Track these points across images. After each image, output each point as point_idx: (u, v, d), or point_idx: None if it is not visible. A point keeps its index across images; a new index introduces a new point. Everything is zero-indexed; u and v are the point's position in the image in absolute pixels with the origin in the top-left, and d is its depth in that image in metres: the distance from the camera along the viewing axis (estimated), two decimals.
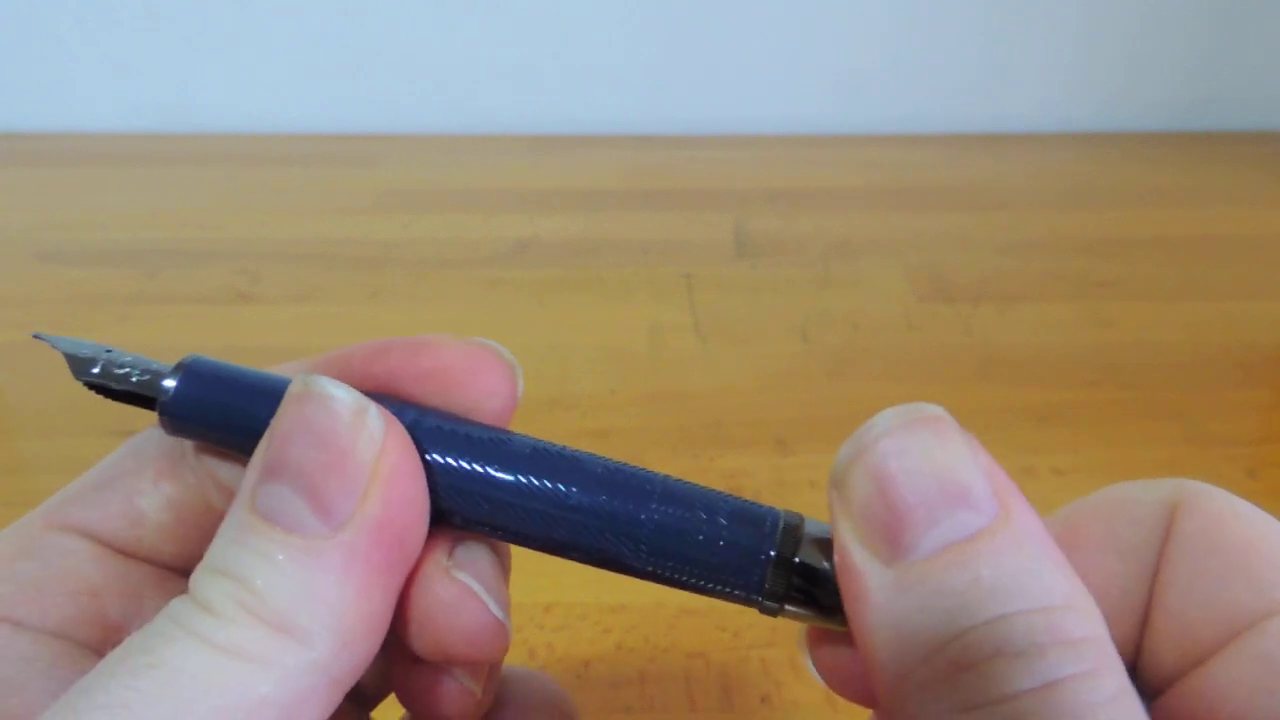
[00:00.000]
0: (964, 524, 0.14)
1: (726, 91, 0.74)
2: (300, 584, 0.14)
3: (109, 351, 0.18)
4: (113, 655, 0.14)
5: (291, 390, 0.16)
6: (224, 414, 0.17)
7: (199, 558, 0.15)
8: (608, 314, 0.51)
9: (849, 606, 0.15)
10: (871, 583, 0.14)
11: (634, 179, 0.67)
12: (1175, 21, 0.73)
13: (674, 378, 0.46)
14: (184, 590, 0.15)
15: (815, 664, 0.17)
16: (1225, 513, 0.15)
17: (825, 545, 0.16)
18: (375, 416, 0.15)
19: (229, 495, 0.18)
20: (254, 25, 0.71)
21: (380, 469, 0.15)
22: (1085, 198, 0.65)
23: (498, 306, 0.52)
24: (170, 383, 0.17)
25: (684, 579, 0.17)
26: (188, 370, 0.18)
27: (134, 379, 0.18)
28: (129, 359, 0.18)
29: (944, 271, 0.55)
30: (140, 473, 0.18)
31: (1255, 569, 0.15)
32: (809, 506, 0.18)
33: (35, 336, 0.19)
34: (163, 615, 0.14)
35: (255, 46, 0.72)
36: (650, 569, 0.17)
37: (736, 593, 0.16)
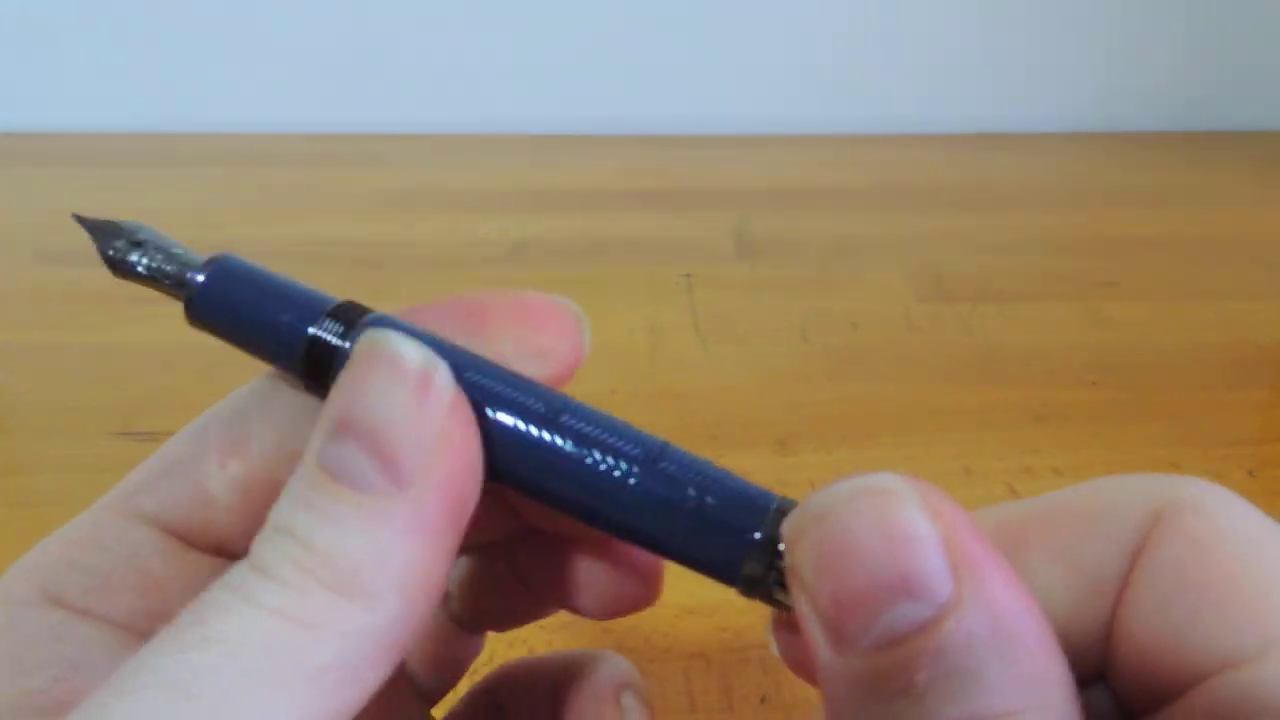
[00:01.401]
0: (906, 617, 0.13)
1: (726, 91, 0.74)
2: (366, 544, 0.14)
3: (143, 230, 0.18)
4: (167, 629, 0.14)
5: (359, 347, 0.16)
6: (250, 314, 0.17)
7: None
8: (608, 314, 0.51)
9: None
10: (823, 661, 0.14)
11: (634, 179, 0.67)
12: (1174, 21, 0.73)
13: (674, 378, 0.46)
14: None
15: (781, 648, 0.17)
16: (1208, 537, 0.14)
17: None
18: (445, 375, 0.15)
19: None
20: (254, 25, 0.71)
21: (447, 429, 0.15)
22: (1085, 198, 0.65)
23: None
24: (200, 276, 0.17)
25: (666, 549, 0.16)
26: (218, 266, 0.18)
27: (164, 265, 0.18)
28: (164, 241, 0.18)
29: (944, 271, 0.55)
30: (205, 455, 0.18)
31: (1226, 610, 0.13)
32: None
33: (74, 217, 0.19)
34: (219, 583, 0.14)
35: (255, 46, 0.72)
36: (635, 532, 0.16)
37: (718, 569, 0.16)
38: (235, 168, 0.68)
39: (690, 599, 0.34)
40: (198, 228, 0.59)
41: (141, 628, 0.17)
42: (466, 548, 0.21)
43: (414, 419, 0.15)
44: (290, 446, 0.18)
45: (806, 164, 0.69)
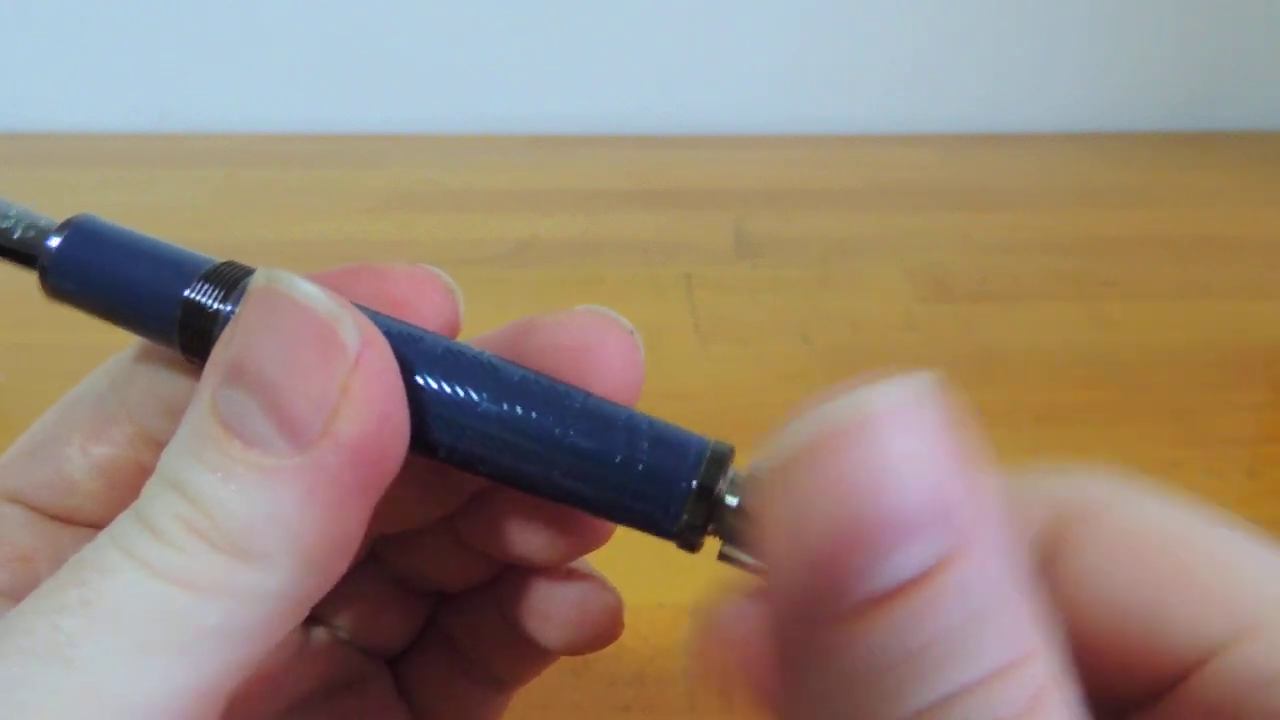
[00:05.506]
0: (916, 556, 0.11)
1: (726, 91, 0.74)
2: (260, 506, 0.13)
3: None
4: (47, 585, 0.13)
5: (255, 283, 0.14)
6: (113, 281, 0.15)
7: None
8: None
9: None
10: (792, 641, 0.12)
11: (634, 179, 0.67)
12: (1176, 21, 0.73)
13: (674, 378, 0.46)
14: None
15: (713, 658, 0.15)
16: (1143, 533, 0.13)
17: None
18: (349, 324, 0.14)
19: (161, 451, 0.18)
20: (254, 25, 0.71)
21: (353, 384, 0.13)
22: (1085, 198, 0.65)
23: (498, 306, 0.52)
24: (55, 241, 0.16)
25: (599, 506, 0.15)
26: (76, 229, 0.16)
27: (16, 234, 0.16)
28: (16, 211, 0.16)
29: (944, 271, 0.55)
30: (68, 438, 0.17)
31: (1190, 600, 0.13)
32: None
33: None
34: (105, 535, 0.13)
35: (255, 46, 0.72)
36: (563, 492, 0.15)
37: (654, 525, 0.15)
38: (235, 168, 0.68)
39: (691, 599, 0.34)
40: (198, 227, 0.59)
41: (15, 595, 0.16)
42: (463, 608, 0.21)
43: (314, 372, 0.13)
44: (159, 432, 0.17)
45: (806, 164, 0.69)
